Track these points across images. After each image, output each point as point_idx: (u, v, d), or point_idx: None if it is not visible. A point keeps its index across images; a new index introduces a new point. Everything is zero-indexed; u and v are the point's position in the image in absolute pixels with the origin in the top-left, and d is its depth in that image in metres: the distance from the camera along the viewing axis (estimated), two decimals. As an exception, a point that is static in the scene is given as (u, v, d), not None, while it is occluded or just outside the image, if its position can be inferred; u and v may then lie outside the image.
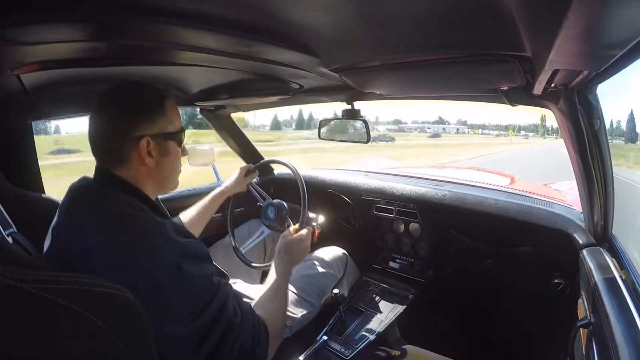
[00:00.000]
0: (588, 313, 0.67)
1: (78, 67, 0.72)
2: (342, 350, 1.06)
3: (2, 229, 0.67)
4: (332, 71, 0.78)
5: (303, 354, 1.00)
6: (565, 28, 0.33)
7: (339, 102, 1.19)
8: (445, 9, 0.44)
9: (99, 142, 0.64)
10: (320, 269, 1.16)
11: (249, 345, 0.63)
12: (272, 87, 1.04)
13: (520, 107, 0.83)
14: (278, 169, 1.68)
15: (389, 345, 1.13)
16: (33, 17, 0.45)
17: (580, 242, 0.86)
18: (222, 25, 0.52)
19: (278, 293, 0.79)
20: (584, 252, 0.81)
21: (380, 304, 1.24)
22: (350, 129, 1.22)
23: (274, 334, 0.71)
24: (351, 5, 0.47)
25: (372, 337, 1.10)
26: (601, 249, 0.81)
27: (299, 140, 28.07)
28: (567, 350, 0.71)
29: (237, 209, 1.33)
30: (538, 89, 0.64)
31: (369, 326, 1.15)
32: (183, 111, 1.37)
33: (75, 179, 0.66)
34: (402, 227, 1.40)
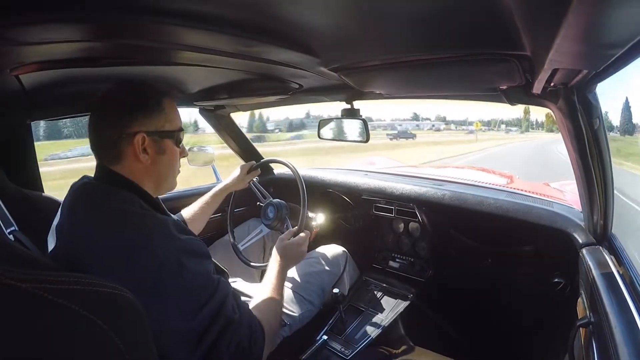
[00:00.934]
0: (588, 312, 0.67)
1: (78, 67, 0.72)
2: (342, 349, 1.06)
3: (3, 227, 0.67)
4: (331, 71, 0.78)
5: (303, 354, 1.00)
6: (565, 27, 0.33)
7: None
8: (444, 8, 0.44)
9: (96, 137, 0.65)
10: (320, 268, 1.17)
11: (246, 343, 0.64)
12: (271, 87, 1.04)
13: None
14: (278, 169, 1.68)
15: (389, 345, 1.13)
16: (32, 17, 0.45)
17: (580, 241, 0.86)
18: (222, 25, 0.52)
19: (273, 294, 0.80)
20: (584, 251, 0.81)
21: (380, 304, 1.24)
22: (349, 129, 1.21)
23: (269, 333, 0.71)
24: (351, 4, 0.47)
25: (372, 336, 1.10)
26: (601, 248, 0.81)
27: (280, 142, 27.42)
28: (567, 349, 0.71)
29: (237, 209, 1.33)
30: (537, 88, 0.64)
31: (368, 326, 1.15)
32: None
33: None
34: (401, 226, 1.40)
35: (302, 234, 0.97)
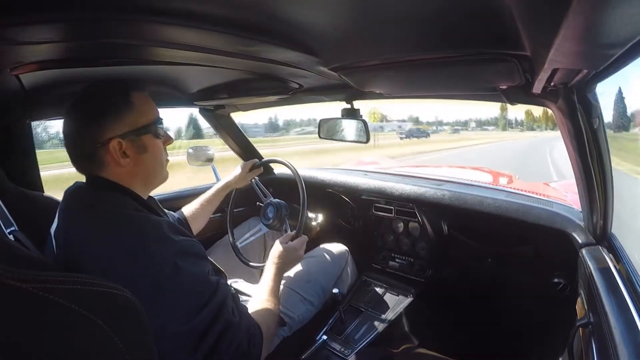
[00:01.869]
0: (587, 312, 0.67)
1: (77, 67, 0.72)
2: (342, 349, 1.07)
3: (3, 227, 0.67)
4: (331, 70, 0.78)
5: (303, 354, 1.00)
6: (565, 27, 0.33)
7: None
8: (444, 8, 0.44)
9: (71, 149, 0.63)
10: (321, 267, 1.17)
11: (245, 346, 0.64)
12: (271, 87, 1.03)
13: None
14: (278, 169, 1.68)
15: (388, 345, 1.13)
16: (32, 17, 0.45)
17: (580, 241, 0.86)
18: (222, 25, 0.52)
19: (270, 296, 0.81)
20: (583, 251, 0.81)
21: (379, 304, 1.24)
22: (349, 129, 1.21)
23: (267, 336, 0.71)
24: (351, 4, 0.47)
25: (371, 336, 1.10)
26: (600, 248, 0.81)
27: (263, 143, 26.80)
28: (566, 349, 0.71)
29: (236, 209, 1.33)
30: (537, 87, 0.64)
31: (368, 326, 1.15)
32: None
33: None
34: (401, 226, 1.40)
35: (299, 239, 0.98)
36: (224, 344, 0.60)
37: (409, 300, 1.24)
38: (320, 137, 1.29)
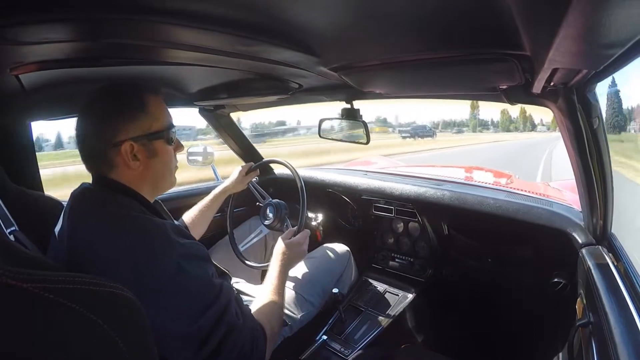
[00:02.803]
0: (587, 312, 0.67)
1: (77, 67, 0.72)
2: (342, 350, 1.07)
3: (3, 227, 0.67)
4: (331, 70, 0.78)
5: (303, 354, 1.00)
6: (565, 27, 0.33)
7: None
8: (444, 8, 0.44)
9: (83, 148, 0.63)
10: (322, 268, 1.16)
11: (249, 348, 0.63)
12: (271, 87, 1.04)
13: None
14: (278, 169, 1.68)
15: (388, 345, 1.13)
16: (32, 17, 0.45)
17: (580, 241, 0.86)
18: (222, 25, 0.52)
19: (275, 295, 0.80)
20: (583, 251, 0.81)
21: (379, 304, 1.24)
22: (350, 130, 1.22)
23: (271, 336, 0.71)
24: (351, 4, 0.47)
25: (371, 336, 1.10)
26: (600, 248, 0.81)
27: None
28: (566, 349, 0.71)
29: (236, 209, 1.33)
30: (537, 87, 0.64)
31: (368, 326, 1.15)
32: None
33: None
34: (401, 226, 1.40)
35: (302, 233, 0.97)
36: (227, 346, 0.60)
37: (409, 300, 1.24)
38: (320, 136, 1.29)
